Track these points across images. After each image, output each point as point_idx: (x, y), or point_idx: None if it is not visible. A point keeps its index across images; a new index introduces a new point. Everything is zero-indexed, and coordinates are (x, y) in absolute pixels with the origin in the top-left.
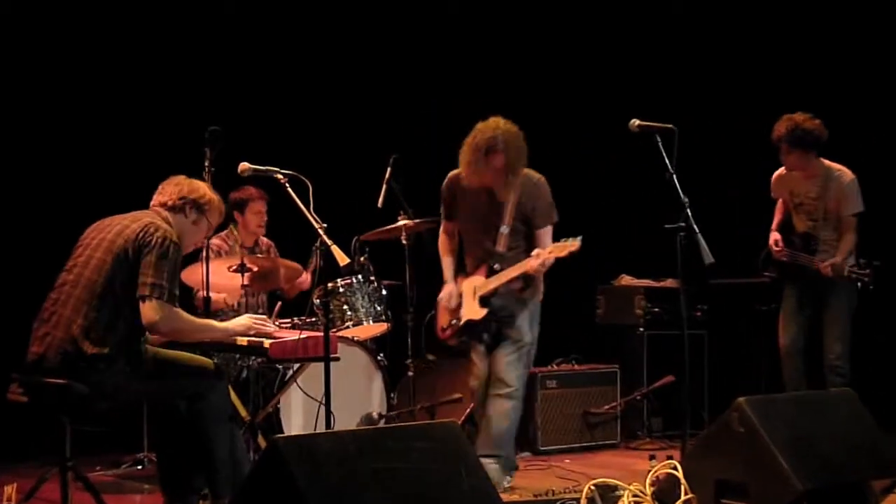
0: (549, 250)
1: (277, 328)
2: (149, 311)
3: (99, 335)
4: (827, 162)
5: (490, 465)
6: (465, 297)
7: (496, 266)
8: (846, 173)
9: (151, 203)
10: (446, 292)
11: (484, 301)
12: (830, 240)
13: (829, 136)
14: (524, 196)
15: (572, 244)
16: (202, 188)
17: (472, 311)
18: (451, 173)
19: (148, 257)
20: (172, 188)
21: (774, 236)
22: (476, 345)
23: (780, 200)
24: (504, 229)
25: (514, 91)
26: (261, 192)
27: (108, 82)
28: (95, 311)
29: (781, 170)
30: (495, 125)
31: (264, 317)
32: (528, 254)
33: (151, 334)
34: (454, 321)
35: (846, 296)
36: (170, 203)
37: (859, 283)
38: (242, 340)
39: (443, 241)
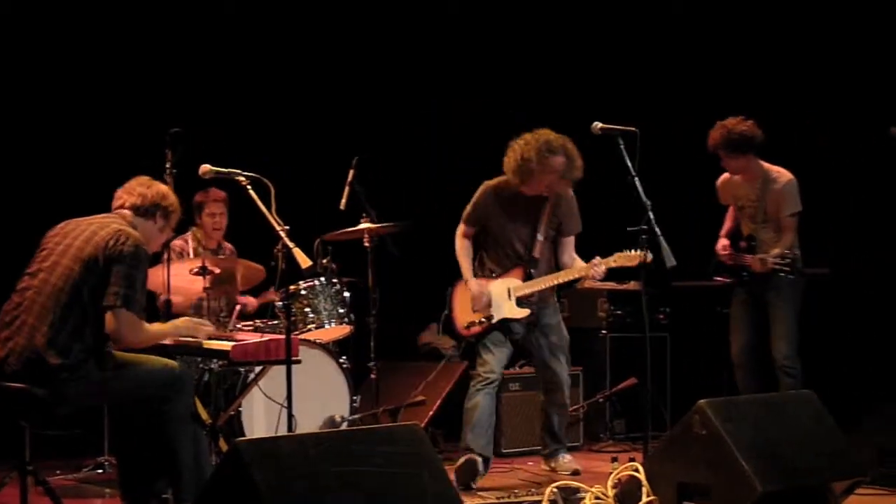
0: (613, 258)
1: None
2: (116, 321)
3: (64, 345)
4: (766, 164)
5: (571, 462)
6: (496, 296)
7: (532, 271)
8: (784, 175)
9: (118, 203)
10: (478, 290)
11: (521, 302)
12: (771, 241)
13: (764, 135)
14: (557, 206)
15: (643, 255)
16: (169, 193)
17: (510, 310)
18: (489, 183)
19: (120, 266)
20: (144, 191)
21: (722, 242)
22: (500, 343)
23: (731, 207)
24: (540, 237)
25: (503, 92)
26: (219, 193)
27: (69, 83)
28: (61, 319)
29: (725, 175)
30: (548, 132)
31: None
32: (552, 259)
33: (115, 345)
34: (483, 319)
35: (790, 294)
36: (141, 208)
37: (781, 273)
38: (209, 343)
39: (463, 244)
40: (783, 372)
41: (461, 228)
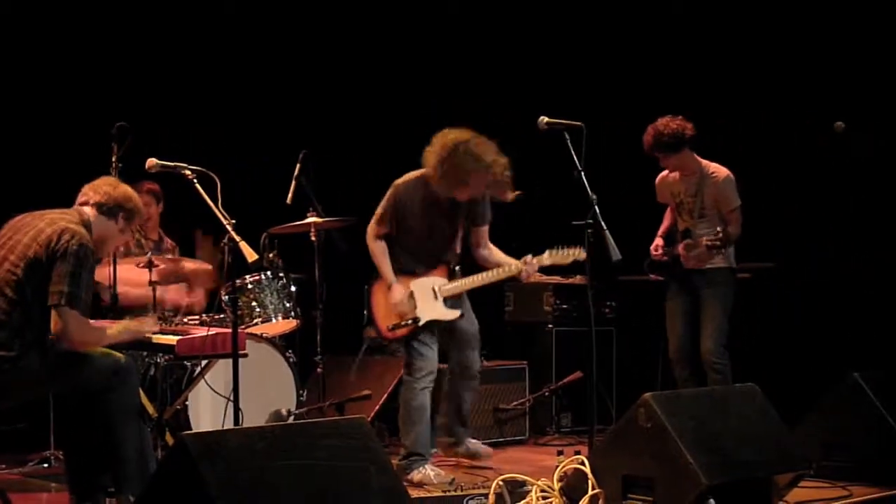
0: (546, 255)
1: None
2: (61, 320)
3: (5, 336)
4: (704, 161)
5: (479, 444)
6: (420, 296)
7: (457, 268)
8: (721, 171)
9: (82, 199)
10: (400, 294)
11: (447, 302)
12: (707, 235)
13: (696, 129)
14: (471, 200)
15: (577, 252)
16: (134, 196)
17: (439, 312)
18: (401, 182)
19: (64, 265)
20: (110, 190)
21: (657, 241)
22: (432, 339)
23: (669, 207)
24: (460, 232)
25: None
26: (145, 185)
27: (13, 76)
28: (3, 313)
29: (663, 173)
30: (473, 135)
31: (147, 319)
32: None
33: (62, 345)
34: (408, 321)
35: (721, 290)
36: (105, 206)
37: (713, 249)
38: (156, 337)
39: (380, 246)
40: (710, 368)
41: (374, 230)
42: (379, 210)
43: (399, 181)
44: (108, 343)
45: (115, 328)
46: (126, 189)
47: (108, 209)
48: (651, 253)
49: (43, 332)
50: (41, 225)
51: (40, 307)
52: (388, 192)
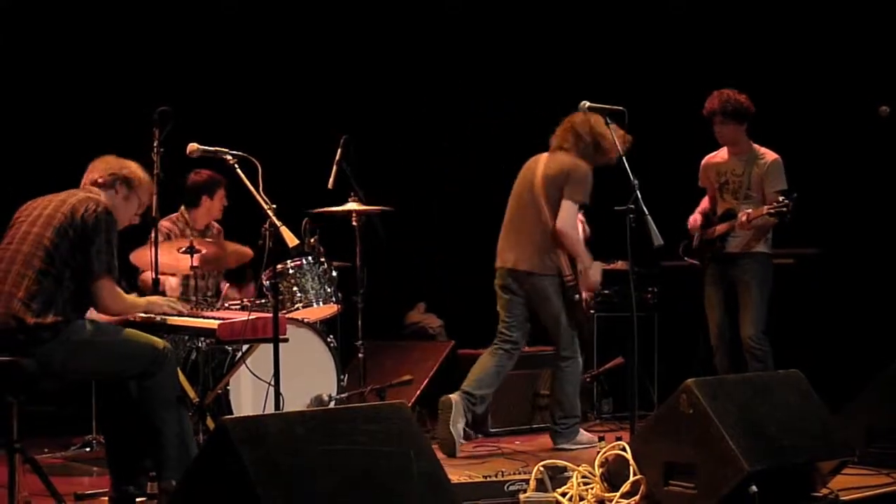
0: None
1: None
2: (103, 290)
3: (40, 306)
4: (755, 144)
5: None
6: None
7: None
8: (770, 154)
9: (82, 182)
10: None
11: None
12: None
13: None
14: None
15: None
16: (131, 166)
17: None
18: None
19: (99, 236)
20: (102, 165)
21: (694, 216)
22: None
23: (707, 195)
24: None
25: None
26: (223, 177)
27: (57, 63)
28: (36, 283)
29: (710, 155)
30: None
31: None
32: None
33: (105, 314)
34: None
35: (759, 276)
36: (100, 180)
37: (776, 214)
38: (197, 321)
39: None
40: (751, 355)
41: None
42: (583, 197)
43: (584, 163)
44: (136, 312)
45: (147, 298)
46: (121, 161)
47: (103, 183)
48: (689, 225)
49: (75, 303)
50: (61, 197)
51: (71, 276)
52: (585, 177)
